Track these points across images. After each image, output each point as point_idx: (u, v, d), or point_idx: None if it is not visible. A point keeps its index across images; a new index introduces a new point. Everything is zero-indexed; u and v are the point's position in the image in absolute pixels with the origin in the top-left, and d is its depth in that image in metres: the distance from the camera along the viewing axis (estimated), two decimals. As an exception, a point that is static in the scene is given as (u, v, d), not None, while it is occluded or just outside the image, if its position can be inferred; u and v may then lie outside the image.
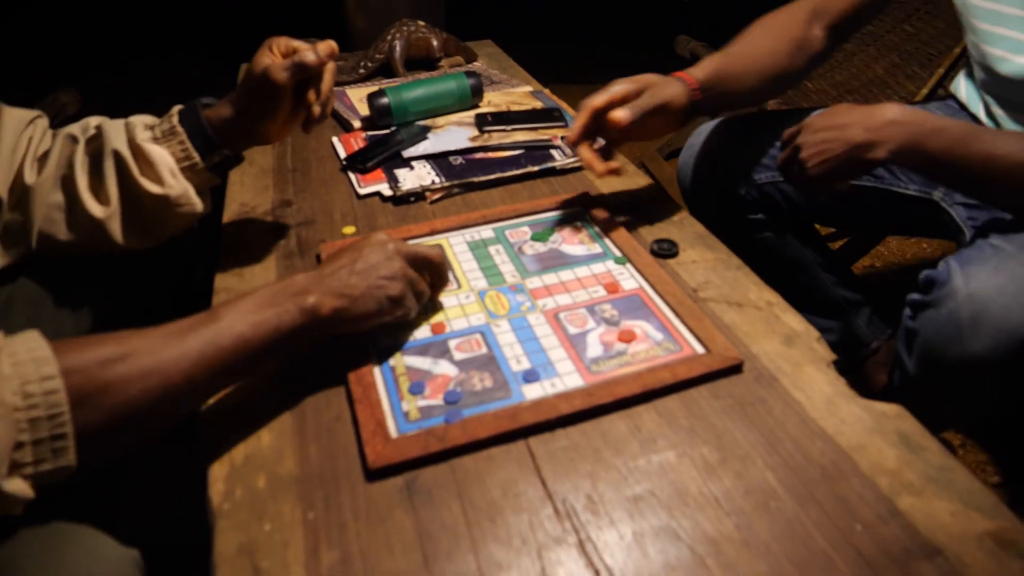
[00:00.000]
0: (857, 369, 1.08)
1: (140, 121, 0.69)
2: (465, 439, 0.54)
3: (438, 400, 0.59)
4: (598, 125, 0.78)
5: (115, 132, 0.67)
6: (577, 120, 0.77)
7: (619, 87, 0.78)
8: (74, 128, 0.69)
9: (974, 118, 0.93)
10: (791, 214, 1.00)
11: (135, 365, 0.47)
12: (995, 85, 0.85)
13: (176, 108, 0.71)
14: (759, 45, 0.88)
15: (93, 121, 0.70)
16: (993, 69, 0.82)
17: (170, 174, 0.67)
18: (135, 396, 0.47)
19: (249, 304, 0.55)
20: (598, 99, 0.77)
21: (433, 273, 0.66)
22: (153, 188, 0.67)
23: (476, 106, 1.15)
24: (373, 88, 1.24)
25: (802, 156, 0.76)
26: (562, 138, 1.01)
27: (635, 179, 0.96)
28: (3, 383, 0.41)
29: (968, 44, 0.89)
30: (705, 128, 1.04)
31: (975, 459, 1.10)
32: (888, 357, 1.15)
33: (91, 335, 0.48)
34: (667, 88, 0.79)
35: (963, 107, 0.94)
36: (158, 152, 0.67)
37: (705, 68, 0.83)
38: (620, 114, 0.74)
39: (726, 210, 1.02)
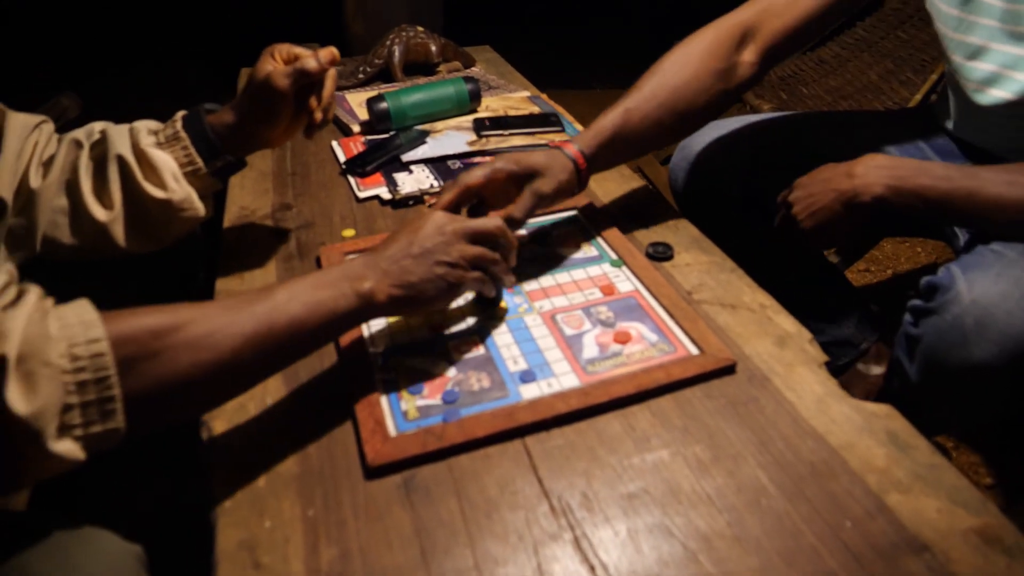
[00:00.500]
0: (846, 370, 1.09)
1: (144, 126, 0.70)
2: (463, 438, 0.55)
3: (436, 400, 0.60)
4: (468, 199, 0.72)
5: (119, 137, 0.68)
6: (445, 194, 0.71)
7: (500, 165, 0.72)
8: (79, 133, 0.70)
9: (955, 138, 0.94)
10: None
11: (185, 336, 0.47)
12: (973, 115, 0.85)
13: (180, 114, 0.72)
14: (671, 84, 0.78)
15: (98, 126, 0.71)
16: (970, 100, 0.82)
17: (173, 179, 0.68)
18: (183, 367, 0.47)
19: (306, 285, 0.55)
20: (474, 177, 0.71)
21: (496, 245, 0.64)
22: (156, 193, 0.68)
23: (474, 111, 1.16)
24: (372, 93, 1.25)
25: (794, 212, 0.78)
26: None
27: (630, 183, 0.97)
28: (51, 345, 0.41)
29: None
30: (696, 134, 1.06)
31: (968, 460, 1.11)
32: (878, 359, 1.16)
33: (143, 306, 0.48)
34: (551, 178, 0.72)
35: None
36: (162, 157, 0.68)
37: (599, 132, 0.77)
38: (515, 213, 0.70)
39: (717, 212, 1.03)
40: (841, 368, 1.08)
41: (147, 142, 0.69)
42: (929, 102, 1.65)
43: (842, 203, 0.73)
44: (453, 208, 0.71)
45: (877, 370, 1.14)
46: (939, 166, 0.72)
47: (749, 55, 0.81)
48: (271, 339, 0.51)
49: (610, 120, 0.77)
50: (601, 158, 0.78)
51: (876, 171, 0.72)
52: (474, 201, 0.73)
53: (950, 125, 0.92)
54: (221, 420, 0.60)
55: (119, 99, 2.71)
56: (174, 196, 0.69)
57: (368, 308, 0.57)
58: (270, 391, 0.62)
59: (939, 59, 1.62)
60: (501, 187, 0.72)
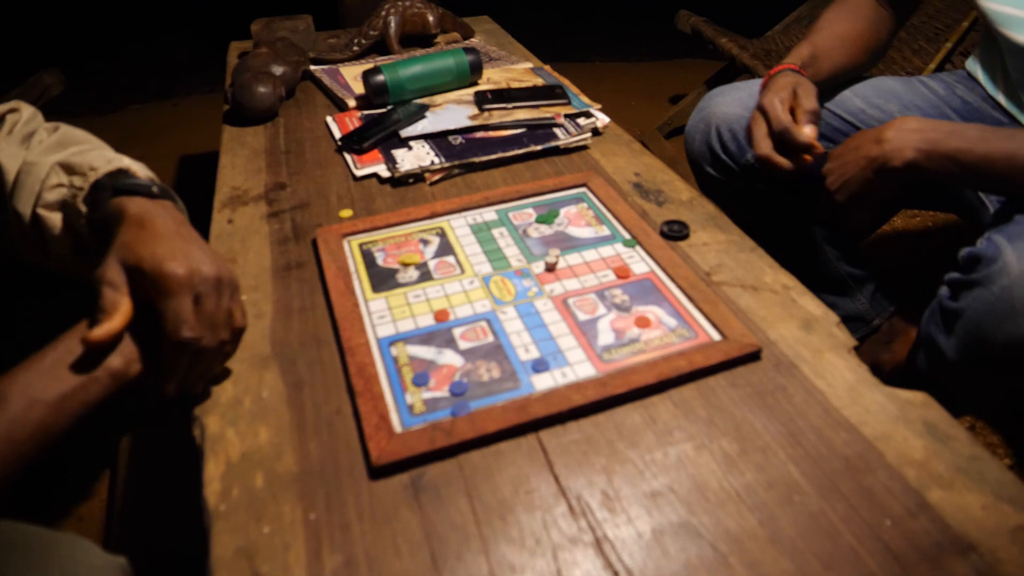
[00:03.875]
0: (857, 348, 1.06)
1: (58, 180, 0.60)
2: (473, 433, 0.52)
3: (444, 392, 0.56)
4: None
5: (28, 190, 0.59)
6: (761, 141, 0.80)
7: (777, 101, 0.79)
8: (37, 134, 0.64)
9: (992, 100, 0.90)
10: (797, 184, 0.97)
11: None
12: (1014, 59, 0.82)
13: (94, 178, 0.59)
14: (838, 28, 0.90)
15: (34, 155, 0.61)
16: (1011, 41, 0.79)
17: (55, 248, 0.62)
18: None
19: (43, 378, 0.47)
20: (778, 120, 0.78)
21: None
22: (32, 254, 0.63)
23: (475, 83, 1.11)
24: (368, 66, 1.20)
25: (827, 184, 0.74)
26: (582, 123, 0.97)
27: (641, 157, 0.93)
28: None
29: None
30: (714, 93, 1.01)
31: (986, 441, 1.09)
32: (890, 335, 1.13)
33: None
34: (804, 82, 0.81)
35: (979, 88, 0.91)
36: (51, 227, 0.60)
37: (800, 54, 0.86)
38: (809, 131, 0.76)
39: (731, 179, 0.99)
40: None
41: (49, 199, 0.60)
42: (943, 70, 1.59)
43: (873, 170, 0.69)
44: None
45: (894, 347, 1.10)
46: (973, 127, 0.68)
47: (886, 9, 0.91)
48: (15, 457, 0.44)
49: (802, 50, 0.88)
50: (807, 71, 0.85)
51: (907, 134, 0.68)
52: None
53: (987, 84, 0.88)
54: (214, 416, 0.56)
55: (111, 78, 2.64)
56: (46, 262, 0.63)
57: (124, 386, 0.51)
58: (266, 383, 0.59)
59: (954, 27, 1.56)
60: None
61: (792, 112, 0.80)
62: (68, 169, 0.60)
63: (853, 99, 0.96)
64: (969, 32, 1.54)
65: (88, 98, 2.45)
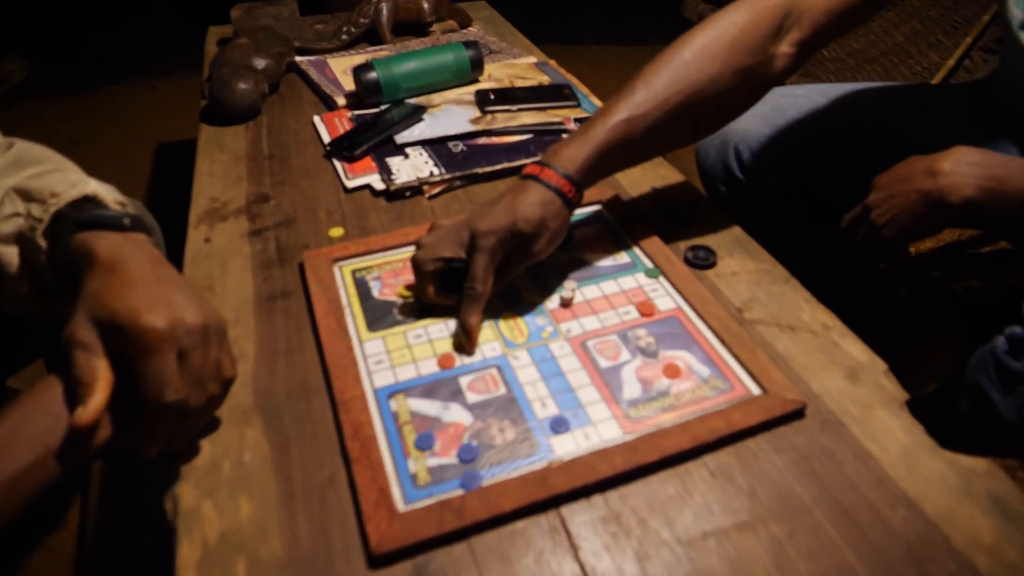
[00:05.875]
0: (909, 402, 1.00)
1: (7, 209, 0.51)
2: (486, 513, 0.45)
3: (451, 458, 0.50)
4: None
5: None
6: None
7: (478, 264, 0.57)
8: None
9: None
10: (823, 203, 0.90)
11: None
12: None
13: (54, 209, 0.51)
14: (689, 83, 0.61)
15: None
16: None
17: (10, 288, 0.53)
18: None
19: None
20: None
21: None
22: None
23: (475, 81, 1.02)
24: (358, 58, 1.11)
25: (873, 218, 0.66)
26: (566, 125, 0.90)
27: (658, 168, 0.86)
28: None
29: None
30: None
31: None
32: (914, 358, 1.08)
33: None
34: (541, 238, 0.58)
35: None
36: (6, 264, 0.52)
37: (592, 144, 0.60)
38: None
39: (746, 201, 0.92)
40: None
41: (3, 230, 0.51)
42: (962, 67, 1.53)
43: (926, 204, 0.62)
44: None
45: (922, 372, 1.05)
46: None
47: (787, 45, 0.64)
48: None
49: (608, 130, 0.60)
50: (592, 178, 0.61)
51: (967, 168, 0.61)
52: None
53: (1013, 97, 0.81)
54: (189, 485, 0.49)
55: (86, 57, 2.50)
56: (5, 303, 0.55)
57: (95, 453, 0.44)
58: (249, 443, 0.52)
59: (974, 21, 1.50)
60: None
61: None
62: (25, 195, 0.52)
63: (875, 112, 0.89)
64: (990, 27, 1.47)
65: (61, 78, 2.32)
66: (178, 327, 0.44)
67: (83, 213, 0.49)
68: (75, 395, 0.43)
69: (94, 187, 0.52)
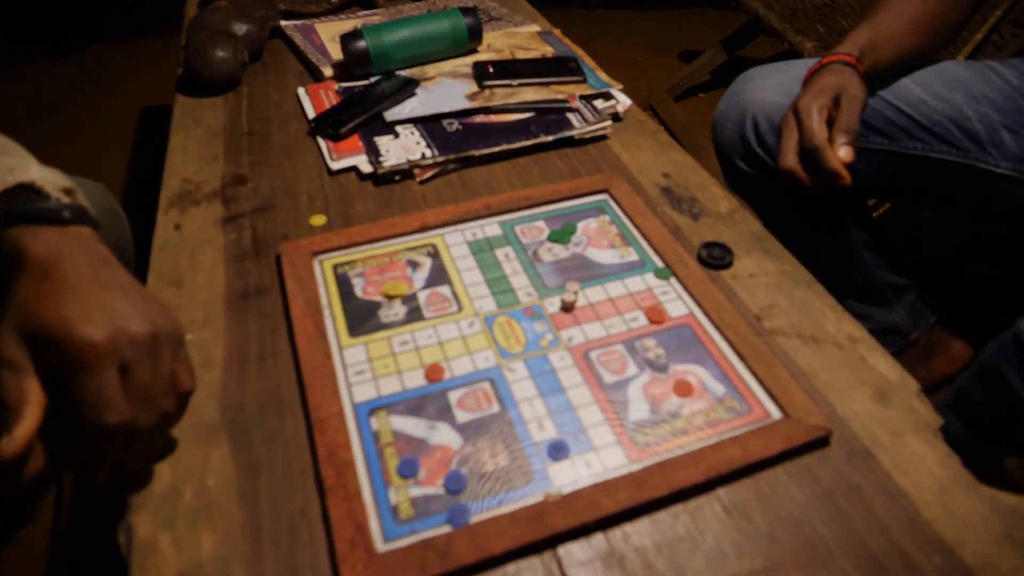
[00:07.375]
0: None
1: None
2: (475, 556, 0.41)
3: (437, 487, 0.45)
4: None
5: None
6: (788, 152, 0.70)
7: (815, 109, 0.69)
8: None
9: None
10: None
11: None
12: None
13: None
14: (906, 6, 0.77)
15: None
16: None
17: None
18: None
19: None
20: (810, 134, 0.68)
21: None
22: None
23: (473, 51, 0.95)
24: (347, 24, 1.03)
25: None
26: (577, 100, 0.83)
27: (669, 152, 0.79)
28: None
29: None
30: (751, 75, 0.87)
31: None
32: (928, 350, 1.03)
33: None
34: (851, 84, 0.70)
35: None
36: None
37: (857, 40, 0.75)
38: (844, 154, 0.67)
39: (765, 176, 0.86)
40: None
41: None
42: (989, 42, 1.44)
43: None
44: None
45: (932, 364, 1.01)
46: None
47: None
48: None
49: (859, 36, 0.76)
50: (866, 61, 0.74)
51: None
52: None
53: None
54: (145, 515, 0.44)
55: (67, 13, 2.38)
56: None
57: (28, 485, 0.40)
58: (213, 466, 0.47)
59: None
60: None
61: (831, 122, 0.69)
62: None
63: (912, 88, 0.82)
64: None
65: (43, 37, 2.21)
66: (119, 338, 0.38)
67: (17, 204, 0.43)
68: (1, 422, 0.37)
69: (34, 173, 0.46)
